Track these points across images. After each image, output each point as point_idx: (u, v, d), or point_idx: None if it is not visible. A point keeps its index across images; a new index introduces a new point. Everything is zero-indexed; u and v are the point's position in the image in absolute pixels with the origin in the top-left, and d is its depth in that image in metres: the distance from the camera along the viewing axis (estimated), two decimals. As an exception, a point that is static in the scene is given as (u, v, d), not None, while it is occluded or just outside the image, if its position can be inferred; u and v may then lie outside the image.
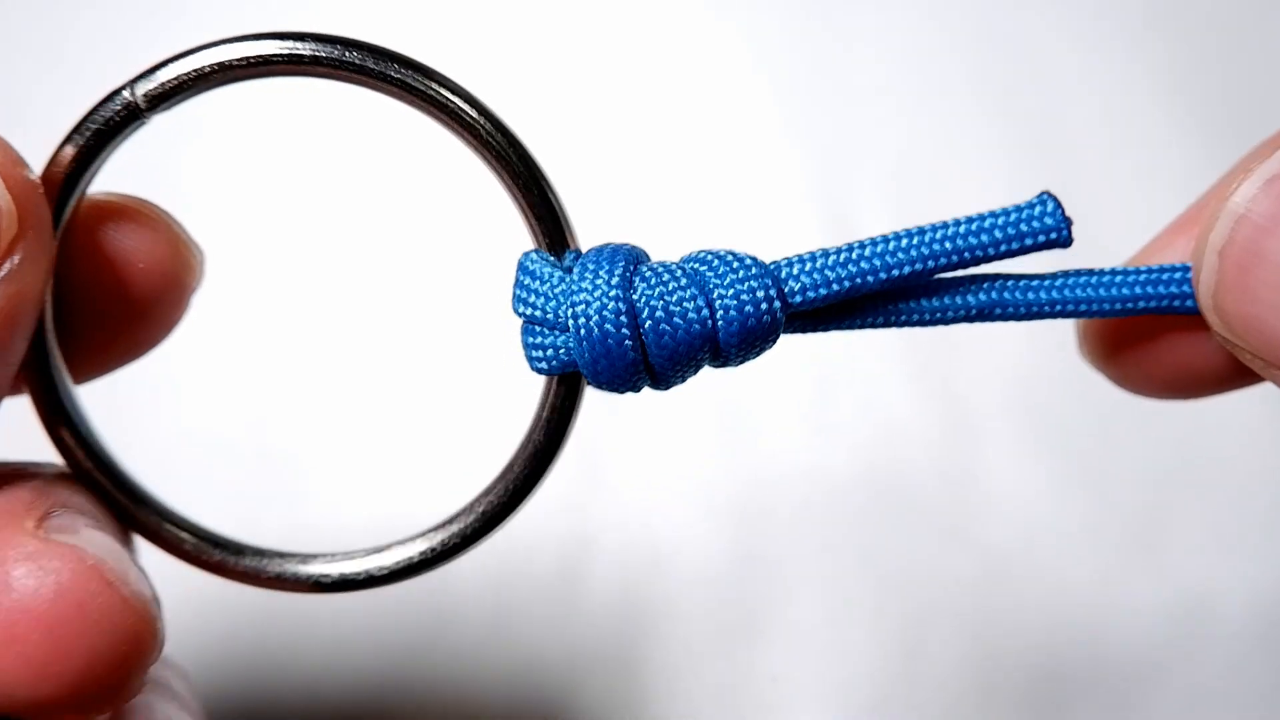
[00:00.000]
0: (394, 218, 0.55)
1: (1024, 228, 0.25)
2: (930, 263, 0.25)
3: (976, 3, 0.60)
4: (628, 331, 0.24)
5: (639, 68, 0.59)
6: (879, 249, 0.25)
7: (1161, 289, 0.25)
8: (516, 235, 0.27)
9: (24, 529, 0.23)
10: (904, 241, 0.25)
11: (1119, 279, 0.25)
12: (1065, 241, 0.25)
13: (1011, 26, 0.59)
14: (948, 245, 0.25)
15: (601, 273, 0.25)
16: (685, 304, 0.25)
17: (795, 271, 0.25)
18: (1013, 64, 0.58)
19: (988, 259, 0.25)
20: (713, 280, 0.25)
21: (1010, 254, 0.25)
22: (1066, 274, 0.25)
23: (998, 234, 0.25)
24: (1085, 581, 0.46)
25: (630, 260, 0.25)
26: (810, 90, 0.58)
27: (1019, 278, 0.26)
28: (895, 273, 0.25)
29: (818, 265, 0.25)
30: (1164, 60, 0.58)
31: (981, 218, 0.25)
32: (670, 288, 0.25)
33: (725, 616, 0.46)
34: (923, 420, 0.49)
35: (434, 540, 0.28)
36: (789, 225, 0.55)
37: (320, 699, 0.44)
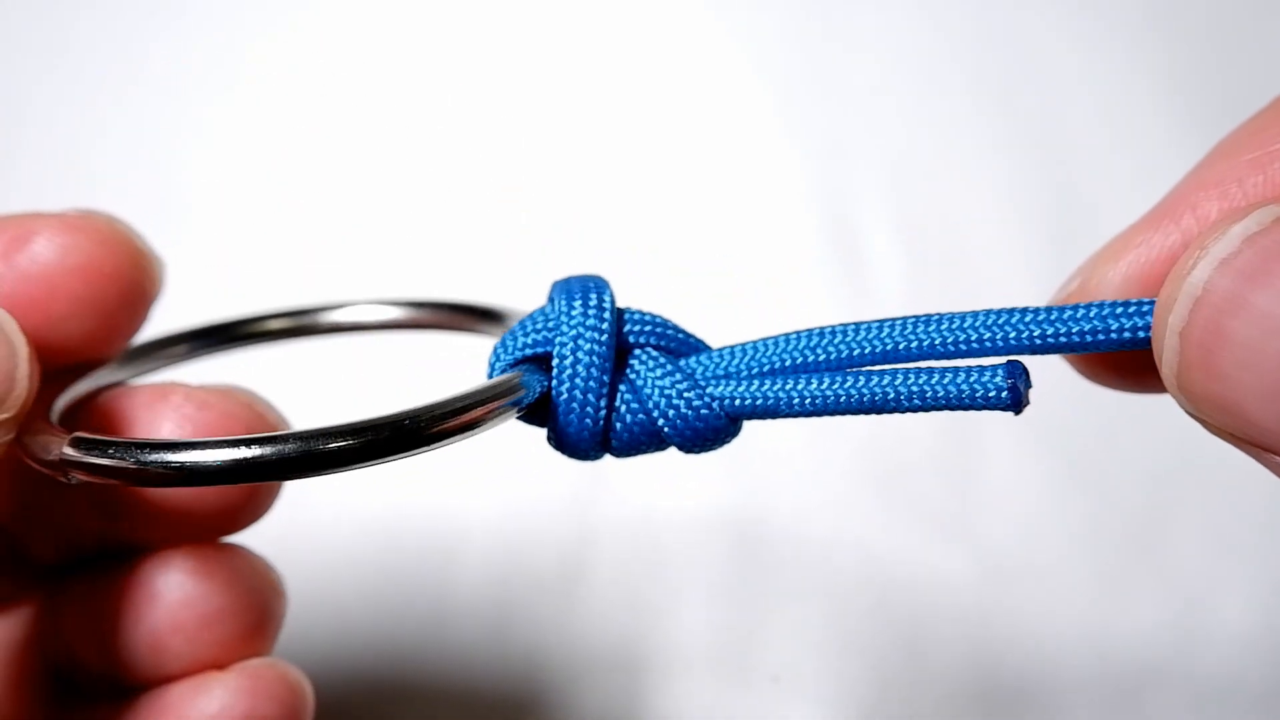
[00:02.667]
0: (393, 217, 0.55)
1: (977, 392, 0.24)
2: (875, 407, 0.25)
3: (976, 3, 0.60)
4: (602, 425, 0.26)
5: (639, 69, 0.59)
6: (830, 389, 0.25)
7: (1125, 321, 0.24)
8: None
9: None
10: (851, 383, 0.25)
11: (1080, 316, 0.24)
12: (1016, 411, 0.25)
13: (1011, 26, 0.59)
14: (898, 392, 0.25)
15: (587, 369, 0.26)
16: (628, 414, 0.26)
17: (741, 392, 0.26)
18: (1012, 64, 0.58)
19: (932, 410, 0.25)
20: (652, 385, 0.26)
21: (957, 409, 0.25)
22: (1024, 312, 0.25)
23: (951, 391, 0.25)
24: (1085, 581, 0.46)
25: (609, 352, 0.26)
26: (810, 91, 0.58)
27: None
28: (841, 408, 0.25)
29: (766, 390, 0.26)
30: (1164, 60, 0.58)
31: (939, 374, 0.25)
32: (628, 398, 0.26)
33: (725, 616, 0.46)
34: (922, 420, 0.49)
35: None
36: (789, 226, 0.55)
37: (319, 696, 0.44)
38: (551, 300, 0.27)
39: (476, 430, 0.24)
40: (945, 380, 0.25)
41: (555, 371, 0.26)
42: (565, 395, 0.26)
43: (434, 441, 0.24)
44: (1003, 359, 0.25)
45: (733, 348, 0.27)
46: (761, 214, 0.55)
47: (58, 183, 0.55)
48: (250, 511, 0.30)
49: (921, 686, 0.45)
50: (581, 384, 0.26)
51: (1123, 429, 0.49)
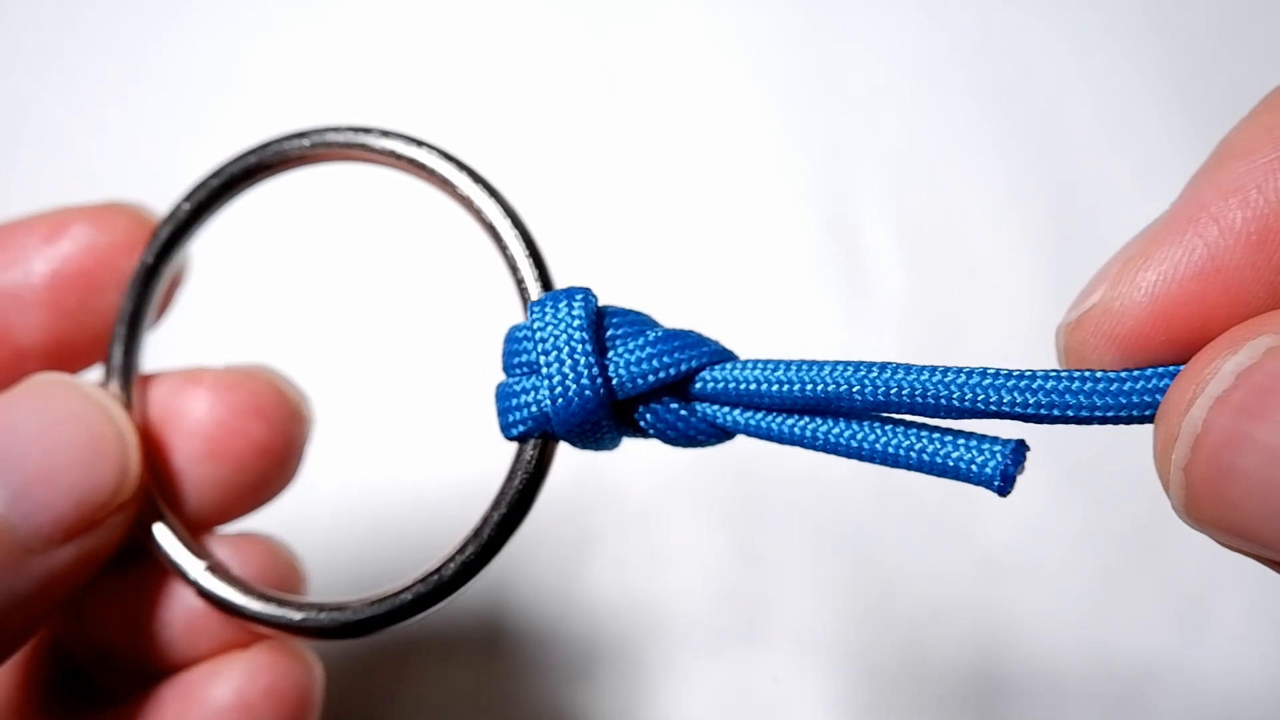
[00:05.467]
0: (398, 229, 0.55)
1: (973, 470, 0.24)
2: (869, 459, 0.25)
3: (976, 3, 0.60)
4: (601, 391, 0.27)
5: (639, 69, 0.59)
6: (823, 431, 0.25)
7: (1135, 398, 0.24)
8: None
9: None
10: (850, 433, 0.25)
11: (1092, 389, 0.24)
12: (1001, 493, 0.24)
13: (1011, 26, 0.59)
14: (897, 450, 0.25)
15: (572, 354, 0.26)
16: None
17: (743, 421, 0.26)
18: (1012, 64, 0.58)
19: (923, 473, 0.25)
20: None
21: (940, 476, 0.25)
22: (1034, 376, 0.25)
23: (949, 462, 0.25)
24: (1085, 581, 0.46)
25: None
26: (810, 91, 0.58)
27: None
28: (836, 452, 0.25)
29: (767, 424, 0.26)
30: (1164, 60, 0.58)
31: (939, 441, 0.25)
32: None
33: (725, 616, 0.46)
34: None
35: (418, 589, 0.29)
36: (789, 226, 0.55)
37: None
38: (535, 313, 0.27)
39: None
40: (944, 449, 0.25)
41: (558, 438, 0.27)
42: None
43: (520, 523, 0.28)
44: (1007, 413, 0.25)
45: (738, 365, 0.26)
46: (761, 214, 0.55)
47: (58, 181, 0.55)
48: (265, 493, 0.32)
49: (921, 686, 0.45)
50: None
51: (1123, 429, 0.49)
